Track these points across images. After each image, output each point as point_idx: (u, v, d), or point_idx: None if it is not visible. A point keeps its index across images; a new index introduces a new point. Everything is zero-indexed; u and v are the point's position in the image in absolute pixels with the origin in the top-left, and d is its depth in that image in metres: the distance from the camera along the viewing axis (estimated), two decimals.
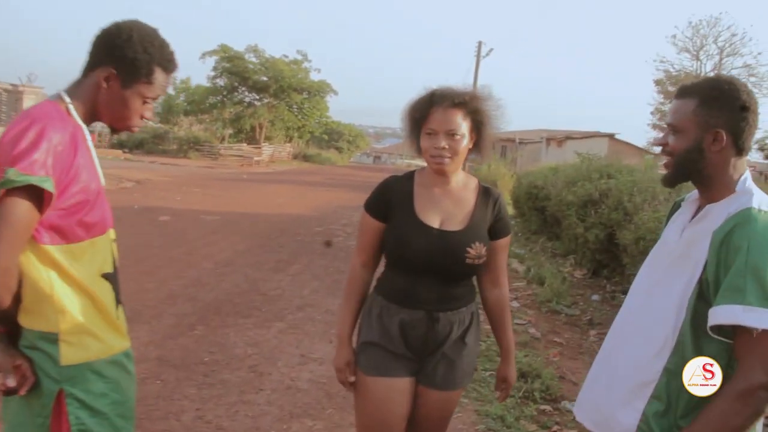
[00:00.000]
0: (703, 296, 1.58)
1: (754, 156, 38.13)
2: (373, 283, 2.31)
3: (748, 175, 1.68)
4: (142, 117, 1.79)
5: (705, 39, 34.47)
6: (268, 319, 5.55)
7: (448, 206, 2.18)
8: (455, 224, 2.15)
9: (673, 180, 1.75)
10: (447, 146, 2.08)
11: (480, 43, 36.08)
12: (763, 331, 1.46)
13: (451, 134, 2.08)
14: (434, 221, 2.15)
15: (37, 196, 1.52)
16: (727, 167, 1.66)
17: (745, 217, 1.56)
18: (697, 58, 35.16)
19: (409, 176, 2.26)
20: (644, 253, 6.76)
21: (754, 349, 1.48)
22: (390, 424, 2.16)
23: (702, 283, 1.59)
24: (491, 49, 36.28)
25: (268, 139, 40.30)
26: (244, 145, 37.00)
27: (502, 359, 2.38)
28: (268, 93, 38.66)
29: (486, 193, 2.24)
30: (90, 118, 1.75)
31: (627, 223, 7.63)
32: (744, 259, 1.50)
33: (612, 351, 1.84)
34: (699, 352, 1.58)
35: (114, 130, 1.83)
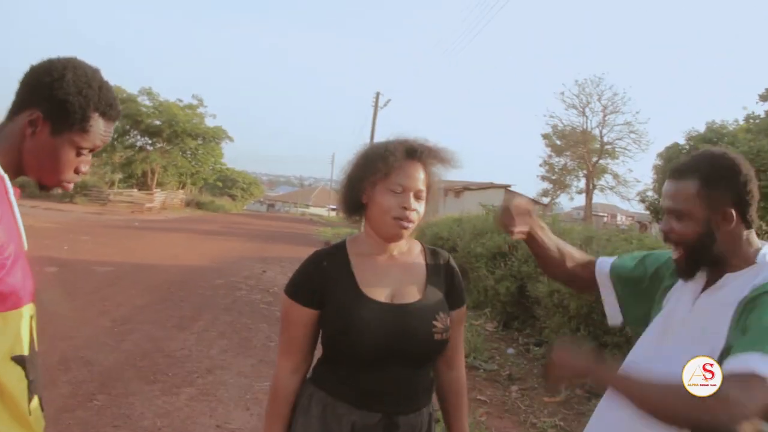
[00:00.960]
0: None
1: (635, 207, 40.57)
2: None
3: (767, 249, 1.60)
4: (76, 171, 1.49)
5: (590, 97, 36.87)
6: (176, 384, 5.08)
7: (398, 276, 1.82)
8: (410, 296, 1.79)
9: (690, 270, 1.64)
10: (415, 208, 1.76)
11: (378, 93, 36.80)
12: (759, 378, 1.33)
13: (418, 195, 1.77)
14: (384, 296, 1.77)
15: None
16: (741, 242, 1.59)
17: None
18: (584, 114, 37.43)
19: (340, 247, 1.87)
20: (559, 306, 6.84)
21: (746, 387, 1.34)
22: None
23: (722, 354, 1.47)
24: (389, 100, 37.09)
25: (160, 185, 39.03)
26: (135, 190, 35.65)
27: None
28: (162, 137, 37.63)
29: (434, 256, 1.92)
30: (14, 170, 1.43)
31: (539, 275, 7.72)
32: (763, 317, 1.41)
33: (623, 423, 1.60)
34: None
35: (42, 187, 1.51)
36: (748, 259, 1.58)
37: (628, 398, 1.42)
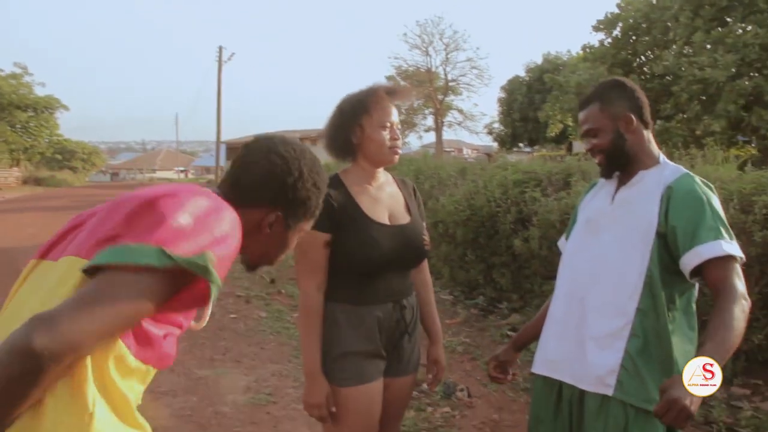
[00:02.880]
0: (665, 242, 1.87)
1: (483, 140, 42.50)
2: None
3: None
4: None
5: (432, 36, 37.54)
6: None
7: (388, 202, 2.24)
8: (402, 217, 2.24)
9: (611, 169, 2.05)
10: (400, 137, 2.20)
11: (221, 47, 35.61)
12: (732, 257, 1.81)
13: (398, 126, 2.21)
14: (385, 219, 2.19)
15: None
16: (644, 141, 2.02)
17: (690, 178, 1.93)
18: (427, 54, 38.19)
19: (337, 180, 2.18)
20: (445, 235, 7.25)
21: (730, 270, 1.80)
22: (372, 427, 2.17)
23: (659, 231, 1.87)
24: (233, 54, 36.01)
25: None
26: None
27: (432, 341, 2.44)
28: None
29: (404, 184, 2.36)
30: None
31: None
32: (708, 209, 1.85)
33: (574, 312, 2.01)
34: (667, 289, 1.87)
35: (251, 267, 1.53)
36: (654, 158, 2.01)
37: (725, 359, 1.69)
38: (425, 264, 2.40)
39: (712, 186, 1.96)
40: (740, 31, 10.40)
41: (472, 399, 4.26)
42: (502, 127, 34.92)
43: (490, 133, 31.89)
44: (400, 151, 2.21)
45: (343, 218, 2.11)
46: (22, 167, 39.74)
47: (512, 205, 6.16)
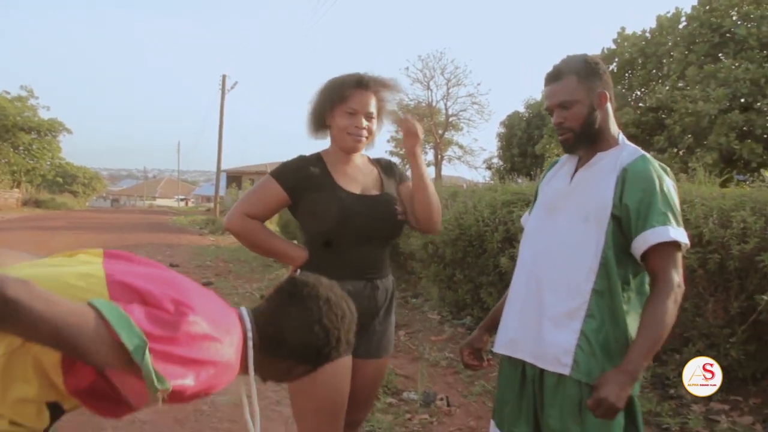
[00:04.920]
0: (619, 223, 1.91)
1: (481, 175, 42.64)
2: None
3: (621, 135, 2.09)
4: None
5: (433, 71, 37.90)
6: None
7: (361, 179, 2.34)
8: (374, 191, 2.34)
9: (577, 145, 2.05)
10: (366, 126, 2.27)
11: (224, 76, 35.97)
12: (675, 243, 1.86)
13: (369, 116, 2.29)
14: (357, 191, 2.30)
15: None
16: (610, 120, 2.04)
17: (645, 160, 1.95)
18: (428, 88, 38.53)
19: (318, 157, 2.35)
20: (434, 255, 7.27)
21: (670, 259, 1.86)
22: (340, 404, 2.18)
23: (614, 213, 1.91)
24: (236, 83, 36.32)
25: None
26: None
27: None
28: None
29: (379, 161, 2.47)
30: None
31: (409, 231, 8.14)
32: (660, 193, 1.89)
33: (532, 291, 2.06)
34: (622, 270, 1.92)
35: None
36: (614, 140, 2.04)
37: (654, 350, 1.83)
38: None
39: (668, 169, 2.00)
40: (732, 66, 10.59)
41: (451, 408, 4.28)
42: (501, 162, 35.02)
43: (489, 168, 31.96)
44: (362, 140, 2.28)
45: (314, 184, 2.24)
46: (23, 189, 39.89)
47: (500, 224, 6.21)
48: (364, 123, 2.27)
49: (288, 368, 1.59)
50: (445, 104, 39.04)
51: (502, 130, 33.13)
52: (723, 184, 5.60)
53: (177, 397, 1.30)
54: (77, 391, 1.31)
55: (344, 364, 2.18)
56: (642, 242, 1.87)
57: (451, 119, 39.53)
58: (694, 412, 3.95)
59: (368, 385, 2.34)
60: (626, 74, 13.72)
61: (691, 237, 3.98)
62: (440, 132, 39.47)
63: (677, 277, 1.86)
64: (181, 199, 78.30)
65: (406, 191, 2.39)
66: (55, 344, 1.22)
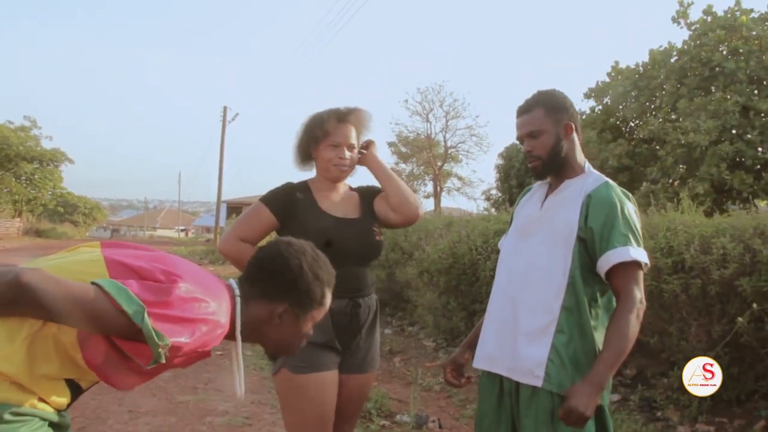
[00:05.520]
0: (585, 245, 2.07)
1: (479, 207, 42.62)
2: None
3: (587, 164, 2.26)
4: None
5: (432, 103, 38.18)
6: None
7: (342, 203, 2.52)
8: (353, 214, 2.50)
9: (545, 172, 2.22)
10: (349, 157, 2.45)
11: (225, 107, 36.37)
12: (636, 263, 2.02)
13: (351, 147, 2.47)
14: (339, 215, 2.46)
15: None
16: (576, 150, 2.22)
17: (608, 187, 2.13)
18: (427, 120, 38.79)
19: (304, 184, 2.52)
20: (430, 284, 7.38)
21: (631, 278, 2.02)
22: (326, 417, 2.30)
23: (580, 236, 2.07)
24: (237, 114, 36.74)
25: None
26: None
27: None
28: None
29: (359, 189, 2.63)
30: (248, 340, 1.72)
31: (406, 261, 8.29)
32: (621, 216, 2.05)
33: (508, 309, 2.20)
34: (589, 288, 2.07)
35: (272, 356, 1.84)
36: (580, 168, 2.20)
37: (619, 362, 1.98)
38: None
39: (630, 195, 2.17)
40: (724, 99, 10.82)
41: (443, 430, 4.38)
42: (499, 193, 35.12)
43: (487, 199, 32.12)
44: (345, 171, 2.47)
45: (299, 208, 2.42)
46: (24, 218, 40.07)
47: (492, 253, 6.35)
48: (347, 154, 2.44)
49: (269, 311, 1.67)
50: (444, 136, 39.23)
51: (501, 161, 33.22)
52: (720, 215, 5.73)
53: (176, 352, 1.46)
54: (94, 365, 1.49)
55: (330, 379, 2.31)
56: (605, 262, 2.03)
57: (450, 151, 39.69)
58: None
59: (354, 399, 2.46)
60: (620, 107, 13.92)
61: (674, 263, 4.24)
62: (439, 164, 39.63)
63: (639, 293, 2.01)
64: (181, 230, 78.28)
65: (381, 194, 2.57)
66: (69, 319, 1.40)
